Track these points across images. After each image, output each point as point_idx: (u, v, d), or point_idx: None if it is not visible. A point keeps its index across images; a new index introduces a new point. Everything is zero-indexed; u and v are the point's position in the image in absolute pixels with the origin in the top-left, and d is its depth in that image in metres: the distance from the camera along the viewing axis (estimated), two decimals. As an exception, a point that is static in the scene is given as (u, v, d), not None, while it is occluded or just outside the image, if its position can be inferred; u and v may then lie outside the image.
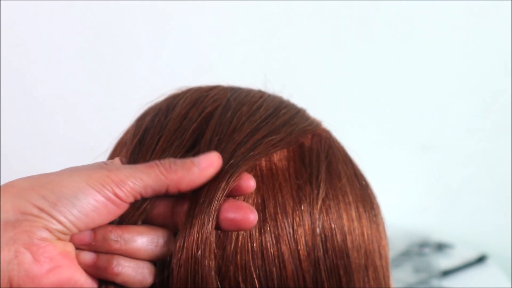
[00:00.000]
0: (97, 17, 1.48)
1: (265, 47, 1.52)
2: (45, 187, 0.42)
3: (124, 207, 0.44)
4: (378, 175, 1.60)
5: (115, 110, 1.33)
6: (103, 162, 0.47)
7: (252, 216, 0.44)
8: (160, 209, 0.46)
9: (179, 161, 0.46)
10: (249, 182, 0.45)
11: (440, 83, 1.57)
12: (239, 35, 1.52)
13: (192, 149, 0.50)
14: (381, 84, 1.56)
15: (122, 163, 0.48)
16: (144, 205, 0.45)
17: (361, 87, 1.56)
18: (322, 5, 1.48)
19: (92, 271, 0.44)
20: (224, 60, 1.51)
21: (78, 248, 0.44)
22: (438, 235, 1.61)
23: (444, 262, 1.52)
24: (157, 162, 0.46)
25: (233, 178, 0.45)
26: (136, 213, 0.45)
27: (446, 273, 1.49)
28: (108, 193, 0.43)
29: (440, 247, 1.57)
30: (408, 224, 1.62)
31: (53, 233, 0.42)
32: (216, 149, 0.48)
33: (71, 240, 0.44)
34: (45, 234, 0.42)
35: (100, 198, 0.43)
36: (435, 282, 1.46)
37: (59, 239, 0.43)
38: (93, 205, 0.43)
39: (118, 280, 0.44)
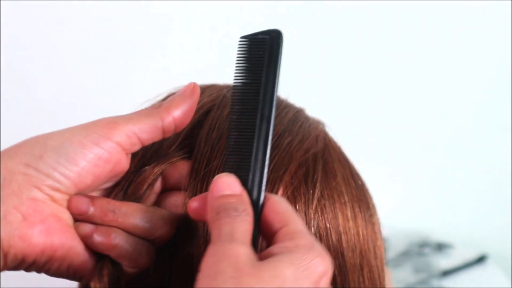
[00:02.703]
0: (97, 17, 1.49)
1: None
2: (30, 143, 0.42)
3: (120, 154, 0.43)
4: (378, 175, 1.60)
5: (114, 110, 1.32)
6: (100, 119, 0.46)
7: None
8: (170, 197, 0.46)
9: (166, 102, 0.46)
10: None
11: (440, 83, 1.56)
12: (238, 35, 1.51)
13: (186, 146, 0.49)
14: (382, 84, 1.56)
15: None
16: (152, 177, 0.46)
17: (361, 87, 1.56)
18: (321, 5, 1.48)
19: (90, 242, 0.43)
20: (224, 60, 1.51)
21: (76, 219, 0.44)
22: (438, 235, 1.60)
23: (444, 262, 1.52)
24: (147, 109, 0.46)
25: None
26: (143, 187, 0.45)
27: (446, 273, 1.49)
28: (96, 136, 0.42)
29: (440, 247, 1.57)
30: (408, 224, 1.61)
31: (43, 190, 0.41)
32: (215, 146, 0.48)
33: (68, 208, 0.43)
34: (35, 193, 0.41)
35: (87, 142, 0.42)
36: (435, 282, 1.46)
37: (53, 200, 0.42)
38: (81, 151, 0.42)
39: (114, 252, 0.43)
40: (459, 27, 1.53)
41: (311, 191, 0.49)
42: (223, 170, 0.43)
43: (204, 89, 0.55)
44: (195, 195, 0.46)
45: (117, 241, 0.43)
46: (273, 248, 0.39)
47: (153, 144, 0.47)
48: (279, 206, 0.42)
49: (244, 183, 0.42)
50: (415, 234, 1.60)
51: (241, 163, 0.43)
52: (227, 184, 0.42)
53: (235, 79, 0.45)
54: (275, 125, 0.45)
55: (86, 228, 0.43)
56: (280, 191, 0.48)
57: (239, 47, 0.45)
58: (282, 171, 0.48)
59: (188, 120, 0.46)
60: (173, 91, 0.58)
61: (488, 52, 1.53)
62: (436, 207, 1.65)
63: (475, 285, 1.45)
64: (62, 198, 0.43)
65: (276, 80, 0.44)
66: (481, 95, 1.57)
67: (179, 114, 0.45)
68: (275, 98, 0.44)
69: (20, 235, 0.40)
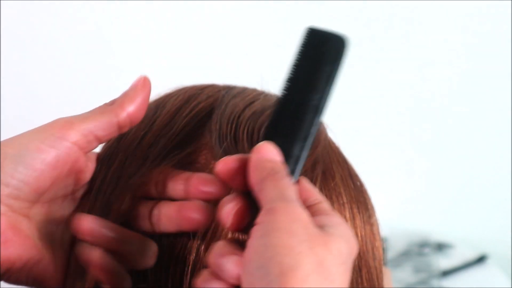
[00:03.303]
0: (97, 17, 1.48)
1: (263, 48, 1.52)
2: None
3: (77, 153, 0.43)
4: (379, 175, 1.60)
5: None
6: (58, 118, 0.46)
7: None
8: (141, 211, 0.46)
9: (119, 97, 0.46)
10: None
11: (440, 83, 1.56)
12: (237, 35, 1.52)
13: (182, 145, 0.49)
14: (382, 83, 1.56)
15: None
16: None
17: (361, 87, 1.56)
18: (320, 5, 1.48)
19: (94, 269, 0.44)
20: (223, 60, 1.51)
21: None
22: (438, 235, 1.60)
23: (444, 262, 1.52)
24: (103, 105, 0.46)
25: None
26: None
27: (446, 273, 1.49)
28: (53, 138, 0.42)
29: (440, 247, 1.57)
30: (408, 224, 1.61)
31: (4, 202, 0.41)
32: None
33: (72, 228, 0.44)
34: None
35: (44, 147, 0.42)
36: (435, 282, 1.46)
37: (12, 210, 0.42)
38: (39, 157, 0.42)
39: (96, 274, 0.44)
40: (459, 27, 1.53)
41: None
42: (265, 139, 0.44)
43: (202, 89, 0.55)
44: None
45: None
46: (323, 219, 0.39)
47: (137, 151, 0.48)
48: (310, 185, 0.43)
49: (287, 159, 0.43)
50: (415, 234, 1.60)
51: (285, 141, 0.44)
52: (275, 151, 0.42)
53: (295, 61, 0.46)
54: None
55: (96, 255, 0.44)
56: None
57: (305, 35, 0.47)
58: None
59: (142, 113, 0.47)
60: (171, 90, 0.58)
61: (488, 52, 1.53)
62: (436, 207, 1.65)
63: (475, 285, 1.45)
64: (22, 206, 0.43)
65: (335, 80, 0.46)
66: (481, 95, 1.57)
67: (133, 109, 0.46)
68: (330, 95, 0.46)
69: None
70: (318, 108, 0.45)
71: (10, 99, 1.48)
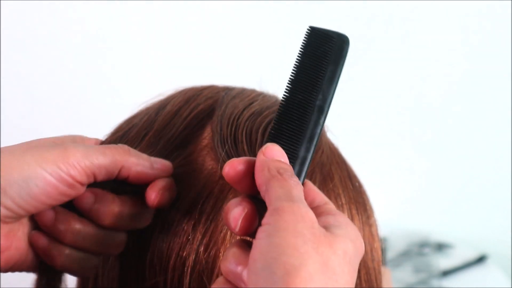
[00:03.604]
0: (96, 17, 1.48)
1: (263, 48, 1.52)
2: None
3: (78, 188, 0.44)
4: (379, 175, 1.60)
5: (113, 109, 1.33)
6: (58, 139, 0.47)
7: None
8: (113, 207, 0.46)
9: (135, 150, 0.46)
10: None
11: (440, 83, 1.56)
12: (237, 36, 1.52)
13: (181, 146, 0.49)
14: (382, 83, 1.56)
15: (97, 143, 0.50)
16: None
17: (361, 87, 1.56)
18: (319, 6, 1.48)
19: (41, 254, 0.45)
20: (222, 61, 1.51)
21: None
22: (438, 235, 1.60)
23: (444, 262, 1.52)
24: (115, 145, 0.46)
25: None
26: None
27: (446, 273, 1.49)
28: (61, 173, 0.43)
29: (440, 247, 1.57)
30: (408, 224, 1.61)
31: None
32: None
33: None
34: None
35: (50, 179, 0.42)
36: (435, 282, 1.46)
37: (6, 222, 0.42)
38: (42, 188, 0.42)
39: (59, 268, 0.45)
40: (459, 27, 1.53)
41: None
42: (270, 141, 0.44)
43: (202, 90, 0.55)
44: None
45: (63, 260, 0.45)
46: (329, 219, 0.39)
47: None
48: (315, 187, 0.43)
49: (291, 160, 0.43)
50: (415, 234, 1.60)
51: (290, 143, 0.44)
52: (281, 152, 0.42)
53: (297, 61, 0.46)
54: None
55: (40, 242, 0.45)
56: None
57: (307, 35, 0.47)
58: None
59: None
60: (172, 92, 0.58)
61: (488, 52, 1.53)
62: (436, 207, 1.65)
63: (475, 285, 1.44)
64: (15, 219, 0.44)
65: (338, 80, 0.46)
66: (481, 95, 1.57)
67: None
68: (333, 95, 0.46)
69: None
70: (322, 108, 0.45)
71: (10, 99, 1.48)
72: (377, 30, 1.52)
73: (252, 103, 0.53)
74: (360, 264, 0.49)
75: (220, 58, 1.51)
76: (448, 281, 1.47)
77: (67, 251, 0.45)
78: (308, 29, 0.47)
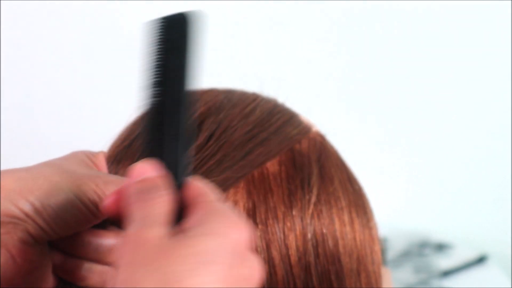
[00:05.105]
0: (96, 17, 1.48)
1: (262, 49, 1.52)
2: (33, 193, 0.42)
3: (103, 217, 0.44)
4: (379, 175, 1.60)
5: (113, 110, 1.33)
6: (85, 155, 0.46)
7: None
8: None
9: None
10: None
11: (440, 83, 1.56)
12: (236, 36, 1.52)
13: None
14: (382, 83, 1.56)
15: (104, 158, 0.49)
16: None
17: (361, 87, 1.56)
18: (319, 6, 1.48)
19: (59, 272, 0.45)
20: (222, 61, 1.51)
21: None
22: (438, 235, 1.61)
23: (444, 262, 1.52)
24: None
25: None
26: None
27: (446, 273, 1.49)
28: (94, 208, 0.43)
29: (440, 247, 1.57)
30: (408, 224, 1.61)
31: (34, 237, 0.42)
32: (208, 154, 0.48)
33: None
34: (26, 237, 0.42)
35: (85, 211, 0.43)
36: (435, 282, 1.46)
37: (38, 242, 0.43)
38: (76, 216, 0.43)
39: (82, 284, 0.44)
40: (459, 27, 1.53)
41: (308, 197, 0.49)
42: (144, 157, 0.41)
43: (201, 95, 0.56)
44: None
45: (86, 274, 0.45)
46: (194, 218, 0.37)
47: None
48: (200, 182, 0.40)
49: (167, 166, 0.40)
50: (415, 234, 1.60)
51: (161, 148, 0.40)
52: (143, 169, 0.39)
53: (148, 63, 0.42)
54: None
55: (56, 259, 0.45)
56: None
57: (149, 31, 0.42)
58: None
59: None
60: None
61: (488, 52, 1.53)
62: (436, 207, 1.65)
63: (475, 285, 1.45)
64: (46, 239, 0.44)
65: (184, 62, 0.41)
66: (481, 95, 1.57)
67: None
68: (187, 81, 0.41)
69: (6, 276, 0.41)
70: (178, 100, 0.40)
71: (10, 99, 1.48)
72: (377, 30, 1.52)
73: (249, 112, 0.53)
74: (360, 267, 0.49)
75: (221, 57, 1.51)
76: (448, 281, 1.47)
77: (86, 264, 0.45)
78: (149, 24, 0.42)
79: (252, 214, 0.48)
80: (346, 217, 0.51)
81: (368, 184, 0.56)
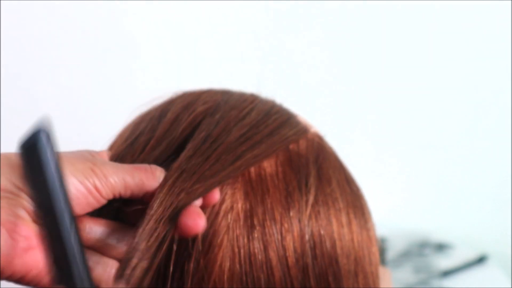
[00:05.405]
0: (96, 17, 1.49)
1: (262, 50, 1.52)
2: None
3: (102, 202, 0.44)
4: (378, 175, 1.60)
5: (113, 110, 1.33)
6: (88, 152, 0.46)
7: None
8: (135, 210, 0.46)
9: (162, 173, 0.46)
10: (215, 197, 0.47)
11: (440, 83, 1.56)
12: (236, 37, 1.52)
13: (182, 148, 0.50)
14: (381, 83, 1.56)
15: (108, 157, 0.49)
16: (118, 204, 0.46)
17: (361, 87, 1.56)
18: (318, 6, 1.48)
19: None
20: (222, 61, 1.51)
21: None
22: (438, 235, 1.61)
23: (444, 262, 1.52)
24: (145, 166, 0.46)
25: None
26: (110, 209, 0.46)
27: (446, 273, 1.49)
28: (89, 185, 0.43)
29: (440, 247, 1.57)
30: (408, 224, 1.61)
31: (29, 213, 0.41)
32: (201, 155, 0.48)
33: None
34: (21, 212, 0.41)
35: (81, 188, 0.43)
36: (435, 283, 1.46)
37: (35, 221, 0.42)
38: (73, 193, 0.42)
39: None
40: (459, 27, 1.53)
41: (305, 198, 0.49)
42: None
43: (200, 95, 0.56)
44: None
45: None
46: None
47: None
48: None
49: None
50: (415, 234, 1.60)
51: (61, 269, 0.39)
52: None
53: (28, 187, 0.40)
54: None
55: None
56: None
57: (21, 157, 0.39)
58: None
59: None
60: (169, 94, 0.58)
61: (488, 52, 1.53)
62: (436, 207, 1.65)
63: (475, 286, 1.45)
64: None
65: (51, 184, 0.38)
66: (481, 95, 1.57)
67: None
68: (57, 197, 0.39)
69: (3, 252, 0.40)
70: (57, 221, 0.38)
71: (10, 99, 1.48)
72: (377, 30, 1.52)
73: (244, 115, 0.53)
74: (358, 268, 0.49)
75: (220, 58, 1.51)
76: (448, 281, 1.47)
77: (95, 257, 0.45)
78: (19, 149, 0.39)
79: (250, 216, 0.48)
80: (344, 218, 0.51)
81: (368, 184, 0.56)
